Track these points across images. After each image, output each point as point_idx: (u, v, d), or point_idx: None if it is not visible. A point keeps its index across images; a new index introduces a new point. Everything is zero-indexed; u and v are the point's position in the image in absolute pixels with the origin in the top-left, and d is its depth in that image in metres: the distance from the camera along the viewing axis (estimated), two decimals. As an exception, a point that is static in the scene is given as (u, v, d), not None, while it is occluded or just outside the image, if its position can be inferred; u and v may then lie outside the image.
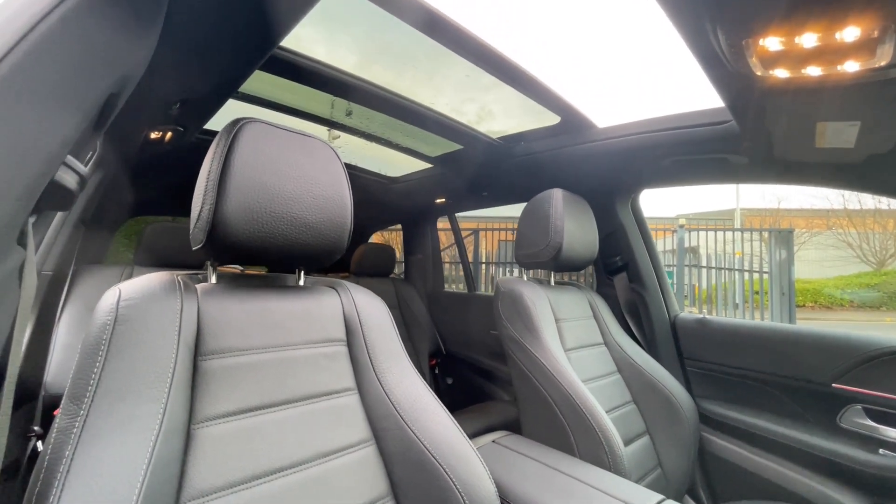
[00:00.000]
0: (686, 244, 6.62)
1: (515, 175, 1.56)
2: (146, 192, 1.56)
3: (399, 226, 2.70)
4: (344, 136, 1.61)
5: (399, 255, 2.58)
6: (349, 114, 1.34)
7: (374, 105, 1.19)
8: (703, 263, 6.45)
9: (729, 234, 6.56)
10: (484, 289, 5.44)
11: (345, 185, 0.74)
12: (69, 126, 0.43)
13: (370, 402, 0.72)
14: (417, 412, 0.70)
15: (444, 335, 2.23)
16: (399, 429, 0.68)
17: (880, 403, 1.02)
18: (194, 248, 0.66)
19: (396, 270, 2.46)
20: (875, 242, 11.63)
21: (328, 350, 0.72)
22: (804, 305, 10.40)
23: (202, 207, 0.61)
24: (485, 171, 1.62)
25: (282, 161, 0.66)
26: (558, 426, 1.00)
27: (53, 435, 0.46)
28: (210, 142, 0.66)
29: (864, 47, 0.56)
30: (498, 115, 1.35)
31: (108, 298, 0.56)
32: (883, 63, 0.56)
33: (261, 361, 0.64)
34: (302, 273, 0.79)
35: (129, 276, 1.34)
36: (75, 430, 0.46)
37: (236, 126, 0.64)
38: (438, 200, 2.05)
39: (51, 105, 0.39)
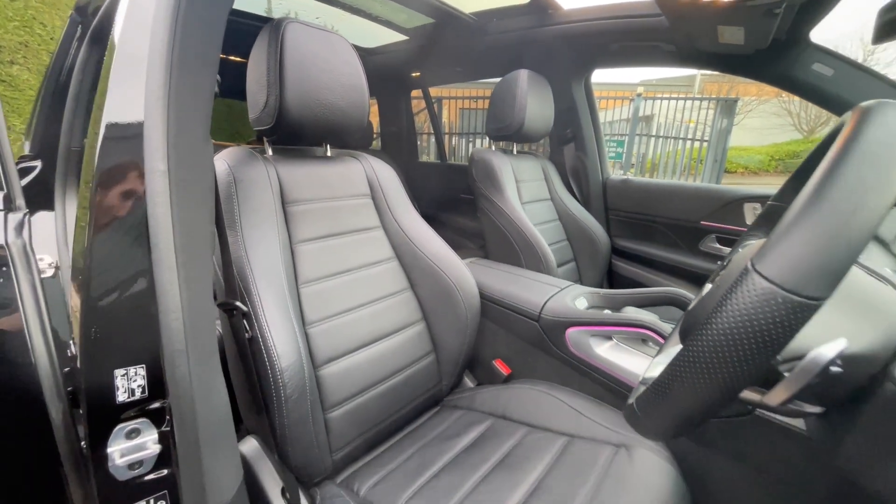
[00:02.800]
0: (643, 112, 6.88)
1: (487, 52, 1.71)
2: None
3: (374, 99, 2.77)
4: (319, 5, 1.63)
5: (375, 127, 2.72)
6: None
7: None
8: (655, 132, 6.82)
9: (685, 101, 6.75)
10: (449, 158, 5.67)
11: (361, 74, 0.96)
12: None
13: (391, 235, 1.07)
14: (422, 239, 1.06)
15: (419, 200, 2.58)
16: (411, 250, 1.05)
17: (725, 232, 1.51)
18: (258, 129, 0.90)
19: (374, 144, 2.65)
20: (812, 110, 12.39)
21: (360, 201, 1.04)
22: (736, 171, 11.47)
23: (268, 97, 0.84)
24: (459, 46, 1.75)
25: (319, 57, 0.87)
26: (514, 254, 1.44)
27: (230, 246, 0.77)
28: None
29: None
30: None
31: (221, 166, 0.82)
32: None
33: (321, 207, 0.95)
34: (328, 146, 1.05)
35: None
36: (240, 239, 0.77)
37: (281, 28, 0.83)
38: (414, 74, 2.16)
39: None
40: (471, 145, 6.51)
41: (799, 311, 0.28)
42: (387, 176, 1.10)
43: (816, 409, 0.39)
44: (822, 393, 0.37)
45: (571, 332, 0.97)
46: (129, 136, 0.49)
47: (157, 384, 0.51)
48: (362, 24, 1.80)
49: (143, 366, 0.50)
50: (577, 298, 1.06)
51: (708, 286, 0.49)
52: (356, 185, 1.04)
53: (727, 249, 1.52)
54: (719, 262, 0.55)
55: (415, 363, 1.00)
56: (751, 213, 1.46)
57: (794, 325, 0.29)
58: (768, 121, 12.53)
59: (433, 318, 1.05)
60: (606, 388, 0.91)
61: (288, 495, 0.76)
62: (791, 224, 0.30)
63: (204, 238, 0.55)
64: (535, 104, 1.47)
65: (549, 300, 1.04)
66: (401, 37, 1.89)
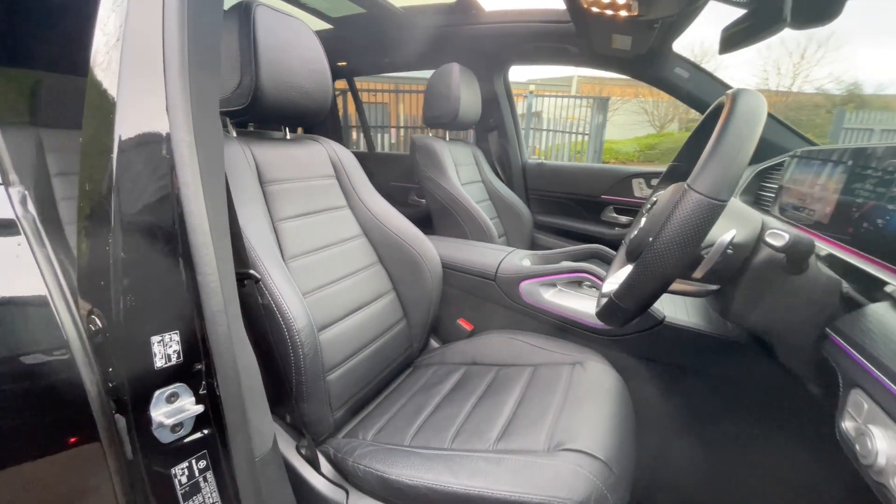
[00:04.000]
0: (533, 109, 7.62)
1: (416, 45, 1.83)
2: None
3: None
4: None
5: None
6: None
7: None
8: (544, 126, 7.62)
9: (566, 100, 7.64)
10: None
11: (324, 58, 1.01)
12: None
13: (357, 213, 1.14)
14: (387, 217, 1.15)
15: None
16: (377, 227, 1.13)
17: (621, 203, 1.87)
18: (226, 110, 0.90)
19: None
20: (661, 109, 14.86)
21: (327, 182, 1.09)
22: (609, 161, 13.30)
23: (242, 78, 0.85)
24: (388, 38, 1.84)
25: (286, 41, 0.90)
26: (460, 228, 1.60)
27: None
28: None
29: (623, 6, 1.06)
30: (404, -12, 1.56)
31: None
32: (634, 13, 1.07)
33: (296, 187, 0.99)
34: (287, 129, 1.08)
35: (40, 140, 1.30)
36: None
37: (251, 10, 0.85)
38: (339, 63, 2.17)
39: None
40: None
41: (716, 210, 0.48)
42: (348, 158, 1.16)
43: (715, 286, 0.61)
44: (719, 273, 0.58)
45: (524, 285, 1.15)
46: (149, 109, 0.52)
47: (190, 348, 0.55)
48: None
49: (177, 331, 0.54)
50: (523, 259, 1.25)
51: (643, 220, 0.69)
52: (322, 166, 1.09)
53: (622, 218, 1.88)
54: (646, 205, 0.77)
55: (389, 329, 1.09)
56: (637, 186, 1.83)
57: (712, 220, 0.48)
58: (629, 118, 14.68)
59: (401, 287, 1.15)
60: (555, 325, 1.12)
61: (303, 451, 0.82)
62: (707, 160, 0.50)
63: (222, 205, 0.59)
64: (467, 95, 1.64)
65: (502, 262, 1.22)
66: (324, 25, 1.90)
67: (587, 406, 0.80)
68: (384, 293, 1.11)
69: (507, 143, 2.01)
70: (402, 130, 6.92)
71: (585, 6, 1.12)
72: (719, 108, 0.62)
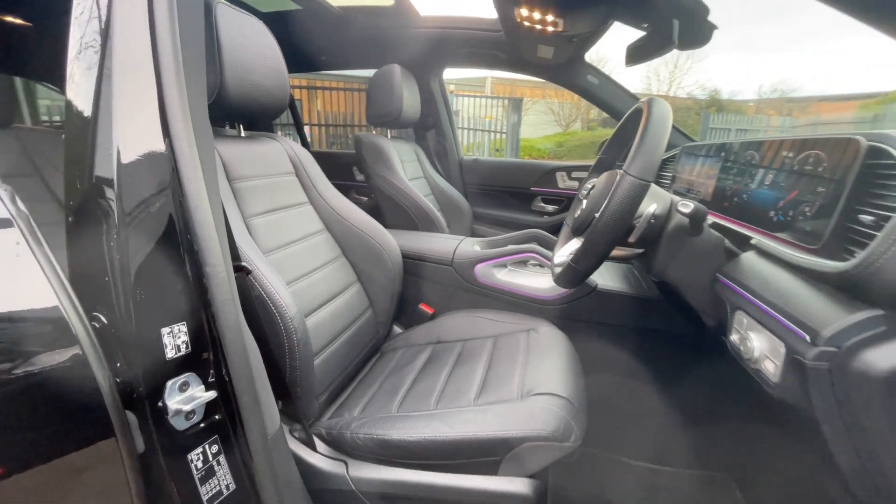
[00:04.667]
0: (454, 108, 7.90)
1: (353, 45, 1.86)
2: None
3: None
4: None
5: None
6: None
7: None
8: (464, 125, 7.93)
9: (483, 99, 8.02)
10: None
11: (279, 55, 1.03)
12: None
13: (319, 209, 1.17)
14: (347, 211, 1.20)
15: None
16: (339, 221, 1.18)
17: (547, 194, 2.10)
18: None
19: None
20: (566, 110, 16.23)
21: (288, 178, 1.11)
22: (525, 157, 14.22)
23: (207, 77, 0.85)
24: (324, 36, 1.85)
25: (246, 38, 0.92)
26: (411, 221, 1.69)
27: None
28: None
29: (551, 23, 1.24)
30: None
31: None
32: (560, 29, 1.26)
33: (261, 184, 1.00)
34: (241, 127, 1.08)
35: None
36: None
37: (212, 9, 0.85)
38: (269, 58, 2.10)
39: None
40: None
41: (645, 188, 0.64)
42: (306, 155, 1.19)
43: (641, 250, 0.79)
44: (645, 238, 0.76)
45: (478, 268, 1.29)
46: (144, 111, 0.54)
47: (197, 338, 0.59)
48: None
49: (184, 322, 0.58)
50: (474, 245, 1.38)
51: (584, 202, 0.85)
52: (282, 163, 1.11)
53: (549, 207, 2.11)
54: (582, 191, 0.94)
55: (359, 318, 1.15)
56: (560, 178, 2.07)
57: (642, 196, 0.65)
58: (539, 117, 15.80)
59: (365, 278, 1.22)
60: (507, 301, 1.27)
61: (296, 434, 0.86)
62: (636, 151, 0.66)
63: (217, 200, 0.62)
64: (408, 94, 1.72)
65: (457, 248, 1.34)
66: (253, 19, 1.84)
67: (545, 361, 0.95)
68: (350, 284, 1.17)
69: (444, 141, 2.13)
70: (315, 129, 6.72)
71: (518, 20, 1.28)
72: (637, 113, 0.81)
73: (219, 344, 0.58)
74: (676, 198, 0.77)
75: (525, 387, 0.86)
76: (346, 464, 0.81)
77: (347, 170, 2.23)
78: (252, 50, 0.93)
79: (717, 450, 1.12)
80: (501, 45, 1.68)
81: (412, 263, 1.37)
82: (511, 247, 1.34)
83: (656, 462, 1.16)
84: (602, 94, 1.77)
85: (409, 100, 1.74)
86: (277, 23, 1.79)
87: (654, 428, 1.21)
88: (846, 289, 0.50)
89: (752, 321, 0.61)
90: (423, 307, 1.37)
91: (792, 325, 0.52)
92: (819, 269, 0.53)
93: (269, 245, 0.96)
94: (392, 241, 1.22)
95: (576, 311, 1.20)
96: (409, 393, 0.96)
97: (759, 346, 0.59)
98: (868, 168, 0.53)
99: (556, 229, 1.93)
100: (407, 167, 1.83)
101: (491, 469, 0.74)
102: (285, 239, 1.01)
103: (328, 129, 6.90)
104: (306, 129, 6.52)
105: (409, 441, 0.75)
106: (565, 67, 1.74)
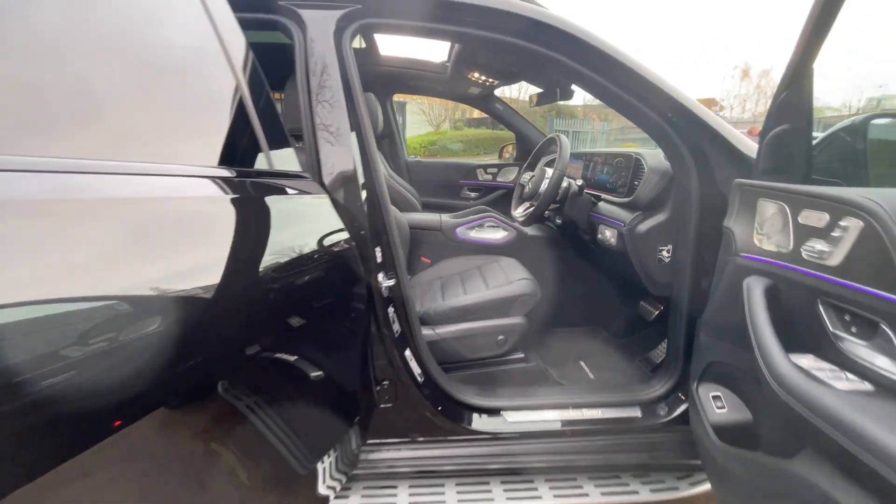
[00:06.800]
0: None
1: None
2: None
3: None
4: None
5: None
6: None
7: None
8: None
9: (370, 102, 8.51)
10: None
11: None
12: None
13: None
14: None
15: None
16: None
17: (472, 185, 2.95)
18: None
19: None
20: (436, 111, 17.64)
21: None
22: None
23: None
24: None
25: None
26: (394, 202, 2.35)
27: None
28: None
29: (488, 80, 2.07)
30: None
31: None
32: (491, 83, 2.10)
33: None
34: None
35: None
36: None
37: None
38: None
39: None
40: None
41: (563, 175, 1.52)
42: None
43: (557, 205, 1.69)
44: (560, 199, 1.65)
45: (458, 230, 2.05)
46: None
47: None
48: None
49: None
50: (450, 218, 2.14)
51: (528, 185, 1.70)
52: None
53: (473, 193, 2.97)
54: (524, 177, 1.79)
55: None
56: (479, 173, 2.95)
57: (563, 179, 1.52)
58: (412, 118, 16.88)
59: None
60: (477, 249, 2.07)
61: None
62: (559, 158, 1.53)
63: None
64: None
65: (442, 220, 2.08)
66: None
67: (513, 269, 1.78)
68: None
69: (395, 147, 2.81)
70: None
71: (467, 75, 2.07)
72: (552, 140, 1.69)
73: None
74: (570, 179, 1.67)
75: (508, 279, 1.68)
76: (433, 328, 1.50)
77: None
78: None
79: (596, 306, 2.12)
80: (443, 82, 2.45)
81: (414, 232, 2.06)
82: (474, 216, 2.13)
83: (571, 323, 2.12)
84: (503, 114, 2.70)
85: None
86: (277, 53, 2.24)
87: (568, 298, 2.16)
88: (631, 207, 1.44)
89: (604, 227, 1.54)
90: (423, 259, 2.08)
91: (615, 221, 1.45)
92: (623, 201, 1.48)
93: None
94: (402, 218, 1.90)
95: (517, 248, 2.07)
96: (445, 295, 1.69)
97: (608, 234, 1.51)
98: (637, 165, 1.49)
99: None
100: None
101: (505, 314, 1.53)
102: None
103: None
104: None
105: (462, 305, 1.50)
106: (483, 99, 2.60)
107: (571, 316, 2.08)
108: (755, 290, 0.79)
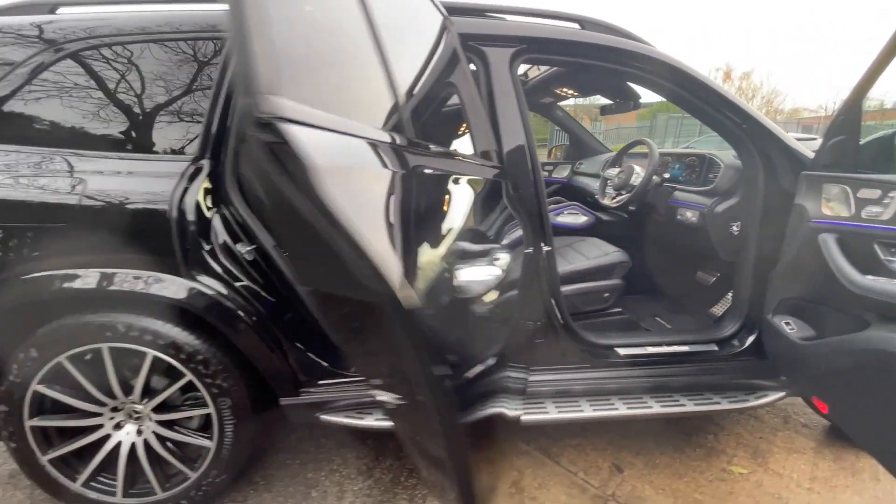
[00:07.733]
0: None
1: None
2: None
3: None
4: None
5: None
6: None
7: None
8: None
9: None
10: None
11: None
12: None
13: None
14: None
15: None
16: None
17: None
18: None
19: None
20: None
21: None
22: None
23: None
24: None
25: None
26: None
27: None
28: None
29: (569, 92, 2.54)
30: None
31: None
32: (572, 95, 2.56)
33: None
34: None
35: None
36: None
37: None
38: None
39: None
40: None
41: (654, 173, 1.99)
42: None
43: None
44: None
45: (546, 216, 2.51)
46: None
47: None
48: None
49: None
50: None
51: (615, 178, 2.16)
52: None
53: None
54: (610, 171, 2.25)
55: None
56: (537, 170, 3.40)
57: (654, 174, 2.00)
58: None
59: None
60: (559, 233, 2.52)
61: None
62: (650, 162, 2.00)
63: None
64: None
65: None
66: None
67: (603, 245, 2.23)
68: None
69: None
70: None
71: (553, 89, 2.53)
72: (638, 142, 2.16)
73: None
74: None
75: (604, 252, 2.12)
76: None
77: None
78: None
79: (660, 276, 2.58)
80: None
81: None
82: (555, 205, 2.59)
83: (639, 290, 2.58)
84: (563, 120, 3.17)
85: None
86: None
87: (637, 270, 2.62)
88: (709, 194, 1.92)
89: (685, 210, 2.01)
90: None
91: (696, 204, 1.93)
92: (702, 189, 1.95)
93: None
94: None
95: (594, 232, 2.52)
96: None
97: (689, 215, 1.99)
98: (711, 162, 1.96)
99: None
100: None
101: (608, 277, 1.99)
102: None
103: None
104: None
105: (577, 270, 1.96)
106: (548, 106, 3.06)
107: (640, 284, 2.55)
108: (829, 240, 1.27)
